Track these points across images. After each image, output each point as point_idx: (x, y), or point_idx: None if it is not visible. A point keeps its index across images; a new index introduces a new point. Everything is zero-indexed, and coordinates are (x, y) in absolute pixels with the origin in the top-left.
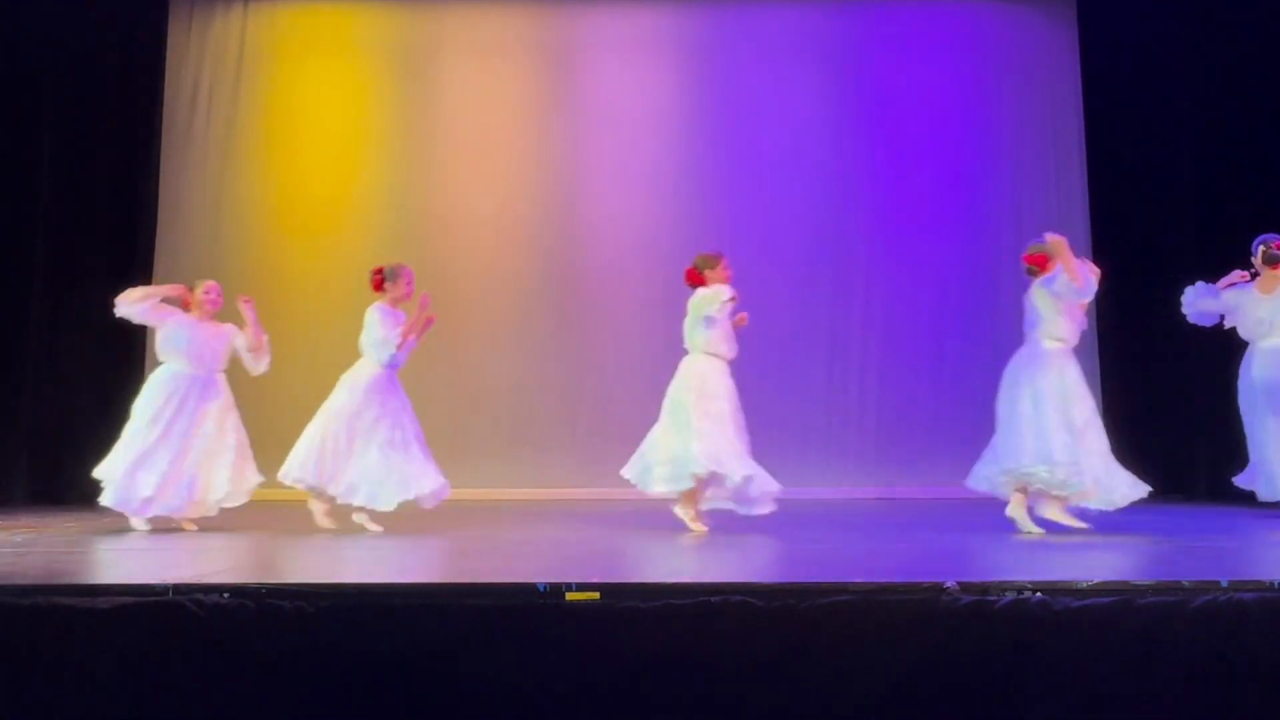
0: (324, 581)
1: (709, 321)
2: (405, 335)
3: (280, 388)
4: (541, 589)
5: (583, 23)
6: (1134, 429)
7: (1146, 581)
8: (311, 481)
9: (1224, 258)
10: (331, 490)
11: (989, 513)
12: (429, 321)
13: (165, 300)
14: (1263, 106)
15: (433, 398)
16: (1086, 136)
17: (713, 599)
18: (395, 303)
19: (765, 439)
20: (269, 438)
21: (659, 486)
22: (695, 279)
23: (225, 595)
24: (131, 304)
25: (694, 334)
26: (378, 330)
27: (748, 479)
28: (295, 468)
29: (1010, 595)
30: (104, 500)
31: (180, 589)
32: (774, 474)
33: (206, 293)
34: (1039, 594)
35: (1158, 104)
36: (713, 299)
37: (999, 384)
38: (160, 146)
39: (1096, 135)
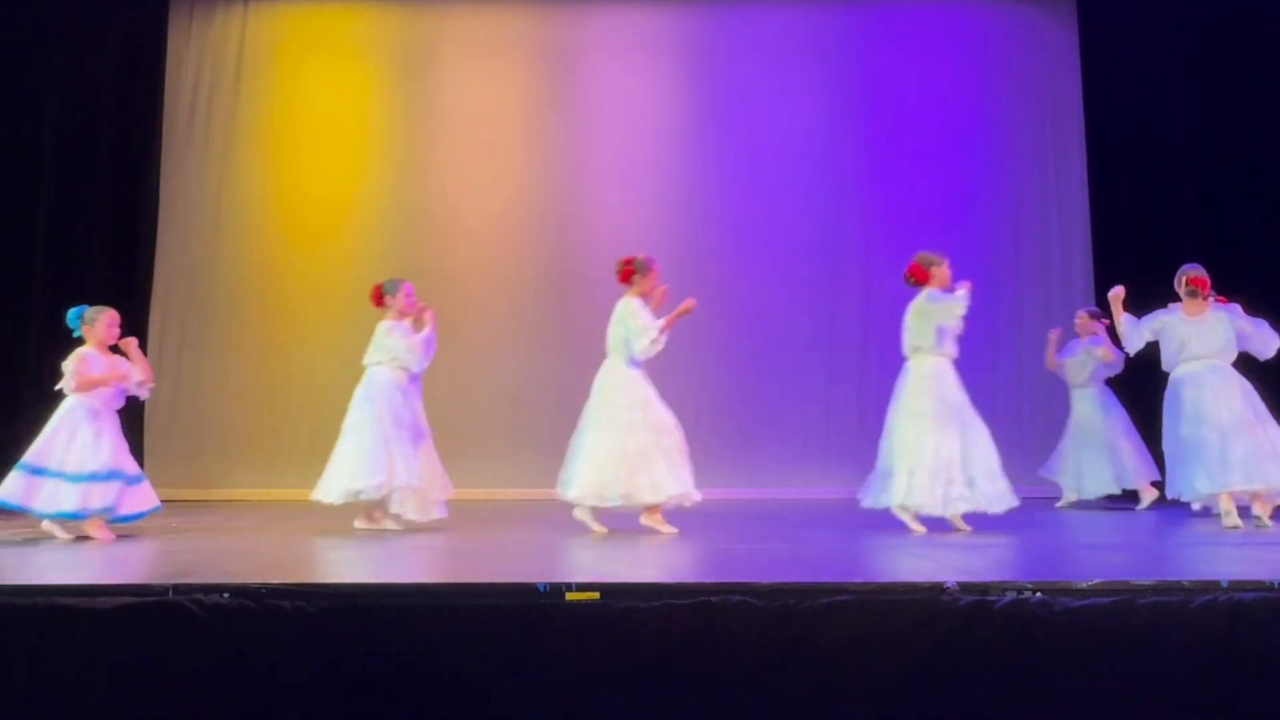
0: (324, 581)
1: (942, 328)
2: (665, 329)
3: (278, 386)
4: (541, 589)
5: (583, 23)
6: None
7: (1146, 581)
8: (615, 500)
9: (1224, 257)
10: (643, 498)
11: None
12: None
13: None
14: (1262, 107)
15: (433, 397)
16: (1086, 136)
17: (713, 599)
18: (644, 296)
19: (766, 439)
20: (266, 437)
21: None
22: (921, 277)
23: (225, 595)
24: (415, 341)
25: (922, 336)
26: (637, 321)
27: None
28: (593, 490)
29: (1010, 595)
30: (403, 511)
31: (180, 589)
32: (774, 474)
33: (408, 295)
34: (1039, 594)
35: (1158, 104)
36: (952, 311)
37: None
38: (160, 146)
39: (1096, 135)
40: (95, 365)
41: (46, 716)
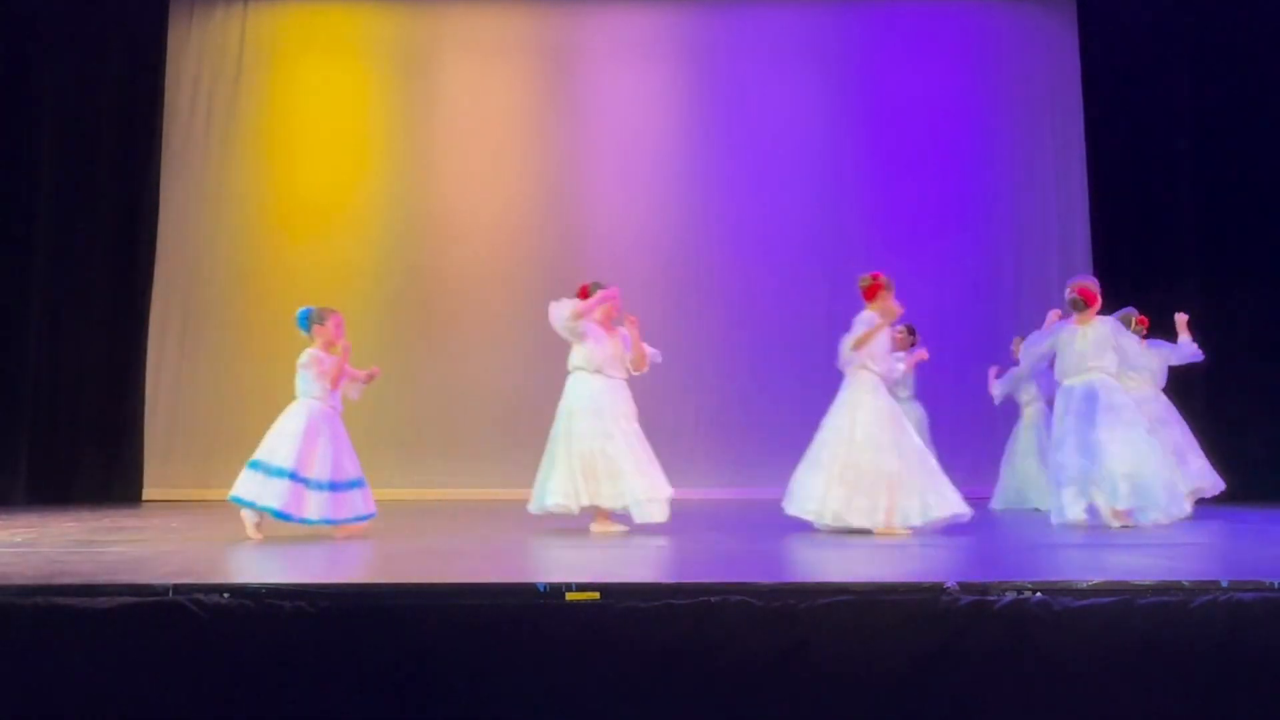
0: (324, 581)
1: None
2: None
3: (278, 387)
4: (541, 589)
5: (583, 23)
6: None
7: (1146, 581)
8: (881, 522)
9: (1224, 256)
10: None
11: (988, 513)
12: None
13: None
14: (1262, 106)
15: (433, 398)
16: (1086, 136)
17: (713, 599)
18: (883, 315)
19: (766, 438)
20: (259, 438)
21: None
22: (1091, 299)
23: (225, 595)
24: (566, 322)
25: (1102, 358)
26: (880, 337)
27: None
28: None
29: (1010, 595)
30: (644, 516)
31: (180, 589)
32: (774, 474)
33: (610, 298)
34: (1039, 594)
35: (1158, 104)
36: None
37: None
38: (160, 146)
39: (1096, 135)
40: (324, 365)
41: (47, 716)
